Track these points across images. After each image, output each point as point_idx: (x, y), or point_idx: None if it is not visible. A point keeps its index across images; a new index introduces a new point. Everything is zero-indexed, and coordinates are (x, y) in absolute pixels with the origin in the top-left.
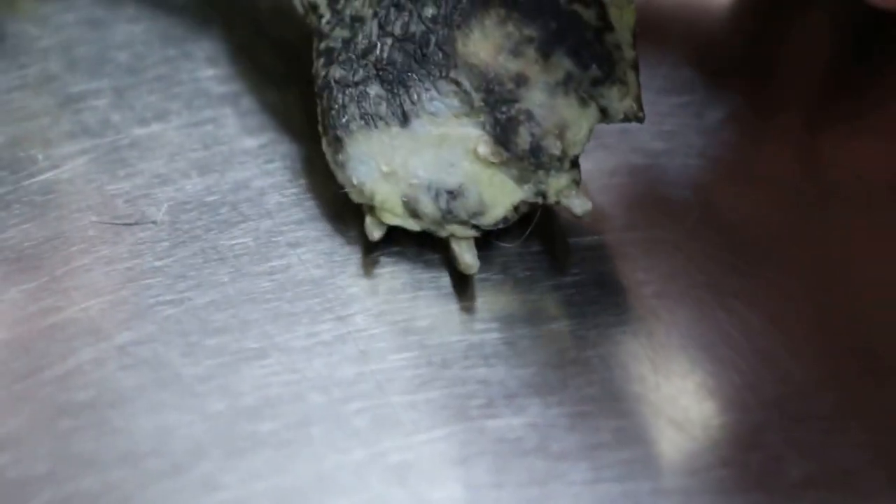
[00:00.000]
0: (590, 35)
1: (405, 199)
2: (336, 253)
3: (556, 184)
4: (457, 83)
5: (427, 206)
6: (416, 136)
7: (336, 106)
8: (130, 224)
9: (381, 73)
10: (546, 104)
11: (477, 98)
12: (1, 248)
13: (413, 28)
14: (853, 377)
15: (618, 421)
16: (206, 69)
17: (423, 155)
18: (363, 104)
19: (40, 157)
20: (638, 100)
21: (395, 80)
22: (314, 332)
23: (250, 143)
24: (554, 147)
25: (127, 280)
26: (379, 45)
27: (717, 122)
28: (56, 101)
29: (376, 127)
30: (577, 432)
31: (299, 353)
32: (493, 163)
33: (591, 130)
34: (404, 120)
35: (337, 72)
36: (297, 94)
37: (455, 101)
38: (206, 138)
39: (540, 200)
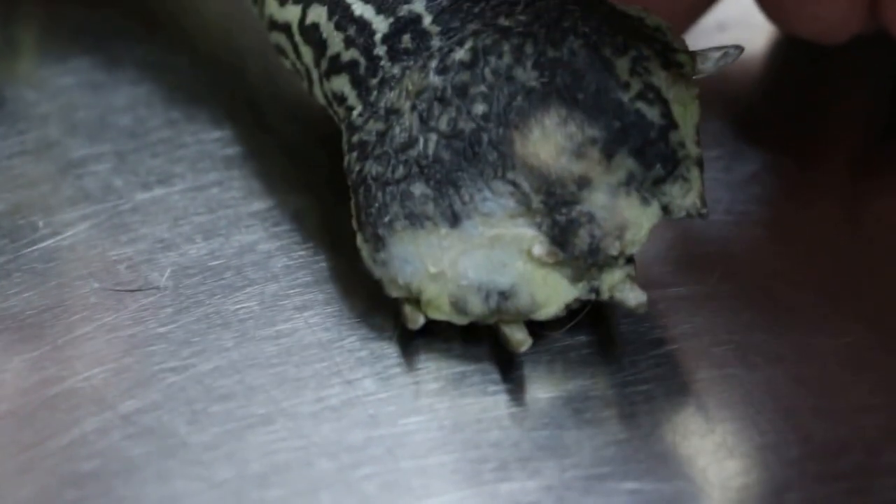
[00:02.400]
0: (654, 134)
1: (453, 300)
2: (344, 316)
3: (611, 280)
4: (514, 184)
5: (476, 306)
6: (467, 237)
7: (376, 204)
8: (133, 290)
9: (425, 170)
10: (608, 206)
11: (536, 200)
12: (2, 317)
13: (462, 125)
14: (877, 437)
15: (635, 482)
16: (211, 131)
17: (474, 255)
18: (407, 203)
19: (41, 224)
20: (701, 196)
21: (442, 179)
22: (322, 396)
23: (257, 206)
24: (613, 248)
25: (130, 347)
26: (421, 140)
27: (746, 177)
28: (56, 167)
29: (423, 227)
30: (594, 495)
31: (307, 419)
32: (547, 263)
33: (650, 231)
34: (454, 220)
35: (373, 168)
36: (305, 155)
37: (511, 202)
38: (211, 202)
39: (593, 297)
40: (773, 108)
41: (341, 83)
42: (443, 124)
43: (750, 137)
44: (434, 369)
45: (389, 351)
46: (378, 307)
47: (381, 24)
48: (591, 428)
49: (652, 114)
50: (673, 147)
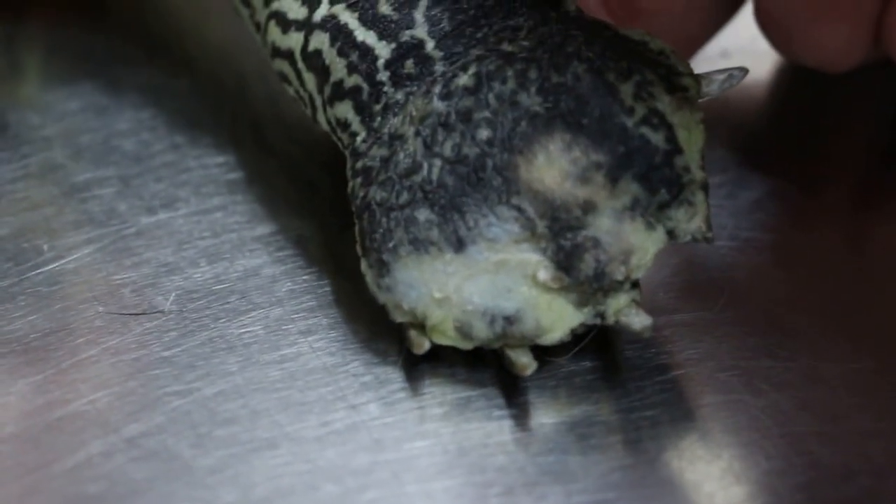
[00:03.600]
0: (658, 159)
1: (458, 325)
2: (349, 340)
3: (616, 304)
4: (519, 209)
5: (481, 330)
6: (472, 262)
7: (380, 229)
8: (137, 314)
9: (429, 196)
10: (613, 231)
11: (541, 225)
12: (7, 341)
13: (466, 150)
14: (884, 462)
15: None
16: (215, 156)
17: (479, 281)
18: (412, 229)
19: (45, 247)
20: (707, 220)
21: (447, 204)
22: (327, 421)
23: (261, 230)
24: (618, 273)
25: (135, 371)
26: (426, 165)
27: (750, 203)
28: (60, 191)
29: (427, 252)
30: None
31: (312, 443)
32: (552, 288)
33: (655, 255)
34: (459, 246)
35: (378, 193)
36: (309, 180)
37: (516, 227)
38: (215, 226)
39: (598, 321)
40: (777, 134)
41: (345, 109)
42: (447, 150)
43: (754, 164)
44: (439, 394)
45: (394, 376)
46: (382, 332)
47: (383, 50)
48: (596, 453)
49: (656, 139)
50: (678, 172)
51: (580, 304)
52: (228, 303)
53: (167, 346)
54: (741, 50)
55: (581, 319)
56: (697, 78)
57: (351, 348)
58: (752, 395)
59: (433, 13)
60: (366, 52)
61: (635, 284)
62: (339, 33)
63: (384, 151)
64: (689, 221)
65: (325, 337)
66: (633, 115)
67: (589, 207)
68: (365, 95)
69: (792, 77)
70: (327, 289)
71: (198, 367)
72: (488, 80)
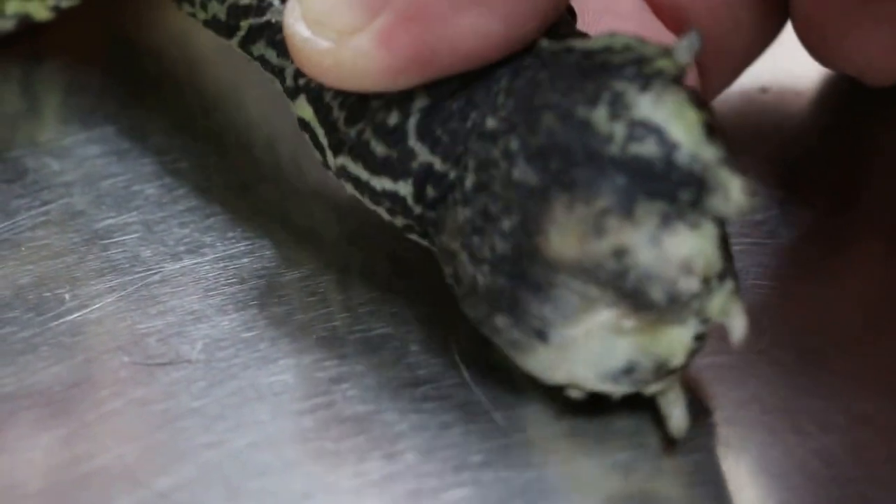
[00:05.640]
0: (659, 167)
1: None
2: (382, 388)
3: (716, 305)
4: (566, 287)
5: (615, 390)
6: (562, 346)
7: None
8: (164, 364)
9: (494, 302)
10: (657, 255)
11: (592, 289)
12: (30, 393)
13: (500, 248)
14: None
15: None
16: (241, 199)
17: (578, 358)
18: (503, 335)
19: (67, 296)
20: (745, 190)
21: (510, 304)
22: (362, 471)
23: (290, 275)
24: (690, 285)
25: (162, 423)
26: (478, 275)
27: (792, 241)
28: (82, 238)
29: (524, 352)
30: None
31: (347, 494)
32: (645, 327)
33: (720, 243)
34: (542, 336)
35: (468, 312)
36: (340, 224)
37: (574, 300)
38: (243, 272)
39: (706, 327)
40: (820, 170)
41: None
42: (486, 252)
43: (796, 201)
44: (476, 441)
45: (430, 423)
46: (416, 379)
47: (404, 189)
48: (639, 499)
49: (648, 149)
50: (685, 167)
51: (681, 322)
52: (258, 351)
53: (195, 396)
54: (779, 84)
55: (692, 332)
56: (670, 53)
57: (384, 396)
58: (799, 437)
59: (424, 131)
60: (392, 197)
61: (725, 275)
62: (360, 184)
63: (450, 270)
64: (727, 201)
65: (358, 384)
66: (613, 140)
67: (621, 252)
68: (417, 228)
69: (834, 114)
70: (359, 335)
71: (228, 417)
72: (487, 171)
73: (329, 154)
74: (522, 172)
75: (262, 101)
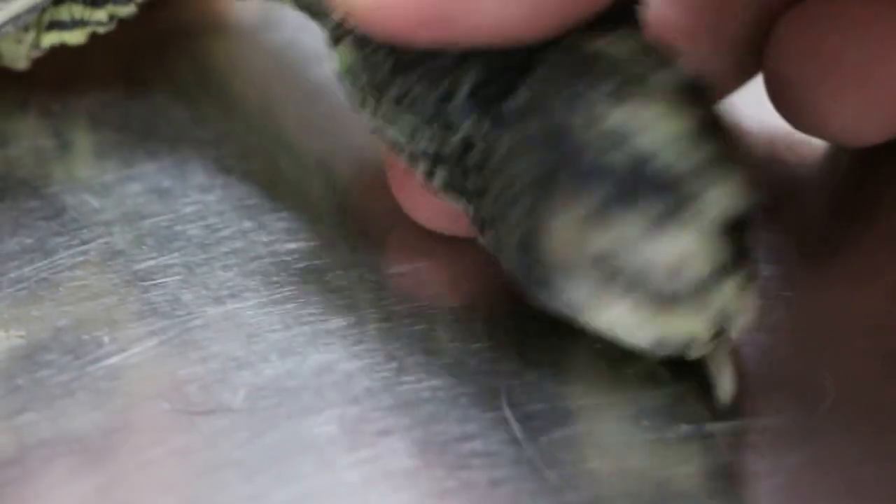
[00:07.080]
0: (632, 177)
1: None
2: (430, 442)
3: (723, 299)
4: (583, 282)
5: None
6: (595, 329)
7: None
8: (205, 412)
9: (532, 280)
10: (657, 252)
11: (592, 284)
12: (66, 440)
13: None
14: None
15: None
16: (286, 242)
17: (613, 334)
18: (553, 305)
19: (106, 339)
20: (741, 188)
21: (543, 283)
22: None
23: (336, 322)
24: (677, 286)
25: (202, 473)
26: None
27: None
28: (122, 279)
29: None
30: None
31: None
32: (658, 313)
33: (714, 241)
34: (575, 315)
35: None
36: (387, 271)
37: (591, 285)
38: (287, 318)
39: (720, 326)
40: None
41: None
42: (513, 223)
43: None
44: (528, 501)
45: (479, 479)
46: (466, 433)
47: (448, 148)
48: None
49: (620, 158)
50: (666, 171)
51: (697, 312)
52: (301, 400)
53: (237, 446)
54: (789, 139)
55: (703, 326)
56: (671, 63)
57: (432, 450)
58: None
59: (471, 102)
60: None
61: (735, 263)
62: (397, 143)
63: (490, 234)
64: (720, 201)
65: (405, 438)
66: (590, 151)
67: (602, 258)
68: (456, 185)
69: (847, 166)
70: (407, 386)
71: (269, 469)
72: (506, 155)
73: (370, 103)
74: (522, 166)
75: (312, 144)
